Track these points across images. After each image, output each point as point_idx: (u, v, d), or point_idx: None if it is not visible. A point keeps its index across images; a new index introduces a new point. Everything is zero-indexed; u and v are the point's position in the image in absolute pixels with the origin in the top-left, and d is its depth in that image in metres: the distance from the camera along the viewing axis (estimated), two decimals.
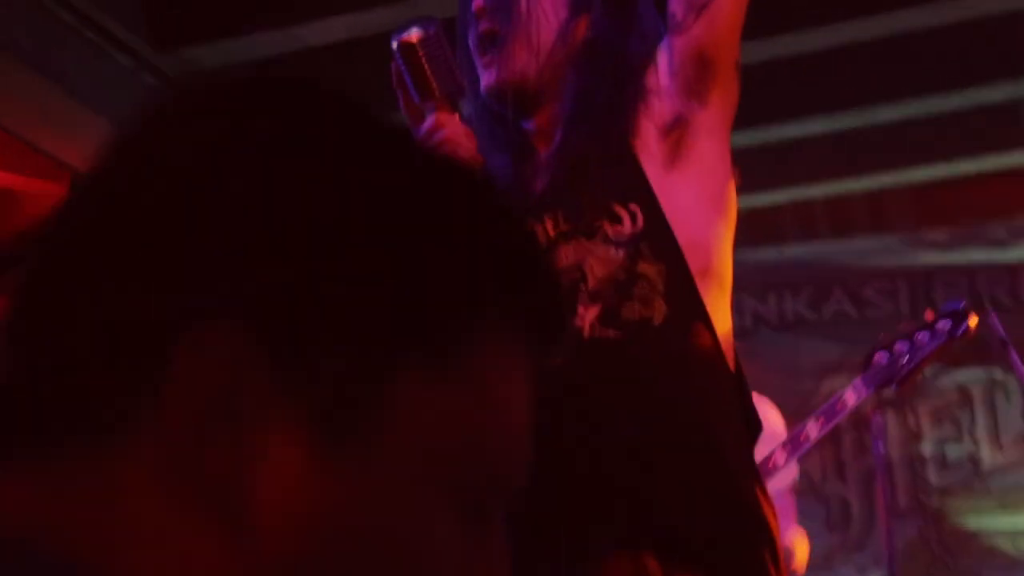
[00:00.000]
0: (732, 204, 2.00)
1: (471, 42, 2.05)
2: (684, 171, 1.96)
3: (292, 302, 0.66)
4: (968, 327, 3.62)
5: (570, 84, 2.02)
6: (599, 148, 1.95)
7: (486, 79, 2.02)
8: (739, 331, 3.79)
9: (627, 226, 1.91)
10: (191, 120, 0.73)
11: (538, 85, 2.02)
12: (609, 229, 1.91)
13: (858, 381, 3.63)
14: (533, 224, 1.91)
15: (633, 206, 1.92)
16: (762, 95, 5.16)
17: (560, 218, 1.94)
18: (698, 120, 1.96)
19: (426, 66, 1.94)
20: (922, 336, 3.64)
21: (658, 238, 1.91)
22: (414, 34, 1.94)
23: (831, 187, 6.53)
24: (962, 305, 3.66)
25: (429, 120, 1.96)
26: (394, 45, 1.95)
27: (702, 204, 1.95)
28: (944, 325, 3.64)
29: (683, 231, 1.92)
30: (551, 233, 1.92)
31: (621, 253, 1.89)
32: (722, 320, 1.92)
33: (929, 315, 3.68)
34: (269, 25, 4.90)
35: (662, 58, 2.00)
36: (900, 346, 3.63)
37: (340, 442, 0.67)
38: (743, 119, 2.05)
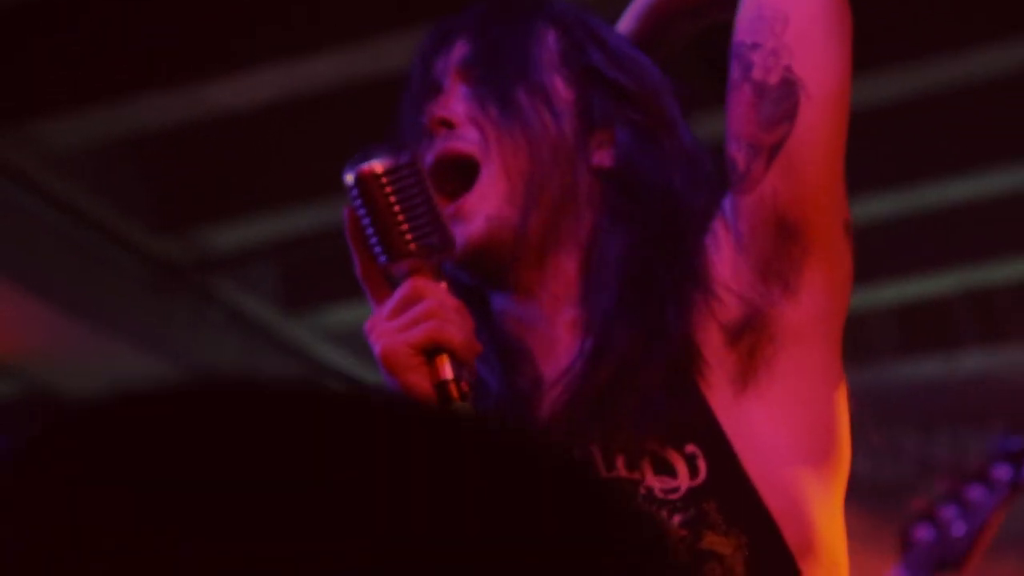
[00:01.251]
0: (843, 448, 1.52)
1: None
2: (764, 395, 1.49)
3: None
4: None
5: (596, 244, 1.55)
6: (639, 359, 1.48)
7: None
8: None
9: (683, 478, 1.46)
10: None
11: (524, 237, 1.52)
12: (656, 484, 1.46)
13: (896, 572, 2.75)
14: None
15: (691, 448, 1.46)
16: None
17: None
18: (784, 317, 1.50)
19: (397, 209, 1.44)
20: (975, 493, 2.75)
21: (733, 496, 1.46)
22: (378, 163, 1.45)
23: None
24: (1022, 442, 2.78)
25: (402, 289, 1.45)
26: (348, 179, 1.46)
27: (793, 447, 1.49)
28: (1003, 473, 2.76)
29: (769, 488, 1.46)
30: None
31: (676, 520, 1.45)
32: None
33: (979, 463, 2.82)
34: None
35: (719, 227, 1.52)
36: (947, 511, 2.75)
37: None
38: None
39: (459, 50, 1.57)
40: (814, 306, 1.50)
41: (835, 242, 1.51)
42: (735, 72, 1.52)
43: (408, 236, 1.44)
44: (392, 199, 1.44)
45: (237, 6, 3.93)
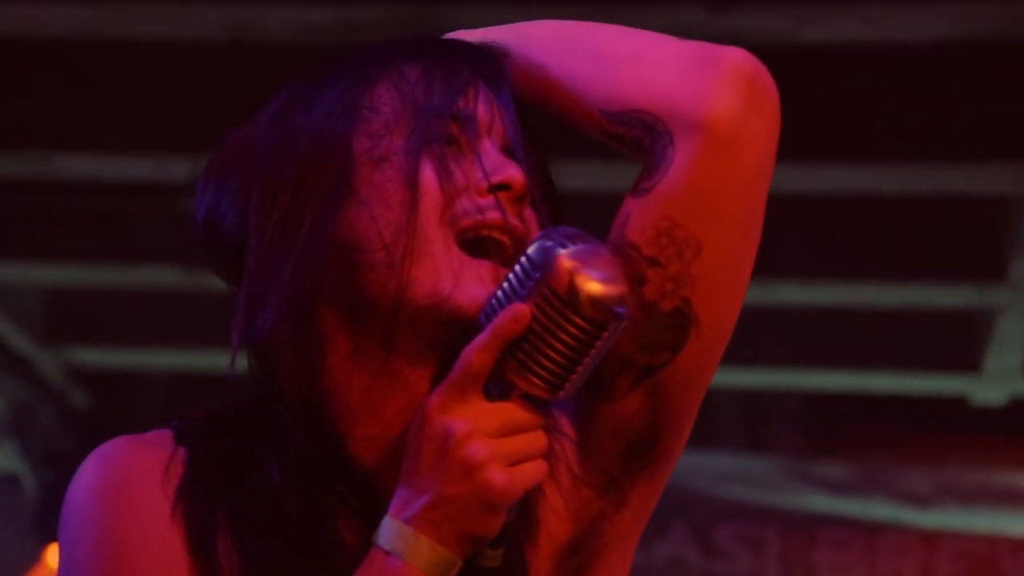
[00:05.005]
0: None
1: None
2: None
3: None
4: None
5: None
6: None
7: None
8: None
9: None
10: None
11: None
12: None
13: None
14: None
15: None
16: None
17: None
18: (614, 529, 1.38)
19: (602, 354, 1.27)
20: None
21: None
22: (623, 305, 1.26)
23: None
24: None
25: (521, 411, 1.26)
26: (607, 303, 1.24)
27: None
28: None
29: None
30: None
31: None
32: None
33: None
34: None
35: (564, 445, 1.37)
36: None
37: None
38: None
39: (489, 110, 1.36)
40: (640, 513, 1.40)
41: (677, 457, 1.41)
42: None
43: (578, 382, 1.26)
44: (607, 344, 1.26)
45: None
